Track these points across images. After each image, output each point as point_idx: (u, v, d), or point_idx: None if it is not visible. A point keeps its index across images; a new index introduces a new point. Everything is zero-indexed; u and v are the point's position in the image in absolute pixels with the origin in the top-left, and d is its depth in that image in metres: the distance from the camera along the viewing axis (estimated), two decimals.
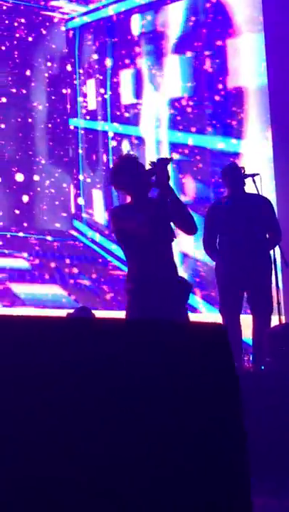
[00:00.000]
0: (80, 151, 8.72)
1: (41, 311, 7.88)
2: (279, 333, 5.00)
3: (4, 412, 1.29)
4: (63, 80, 8.81)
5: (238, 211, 5.68)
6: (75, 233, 8.55)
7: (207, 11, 8.74)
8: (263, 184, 5.84)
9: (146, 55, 8.85)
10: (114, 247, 8.20)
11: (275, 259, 5.62)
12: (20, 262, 8.15)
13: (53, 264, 8.29)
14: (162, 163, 4.21)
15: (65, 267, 8.34)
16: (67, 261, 8.38)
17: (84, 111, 8.84)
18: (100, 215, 8.64)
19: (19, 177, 8.32)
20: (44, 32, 8.75)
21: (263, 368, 5.28)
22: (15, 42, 8.54)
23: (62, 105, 8.78)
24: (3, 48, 8.46)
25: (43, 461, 1.29)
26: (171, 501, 1.36)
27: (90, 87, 8.87)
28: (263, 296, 5.58)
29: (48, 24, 8.80)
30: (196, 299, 8.12)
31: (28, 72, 8.61)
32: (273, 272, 5.64)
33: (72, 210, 8.61)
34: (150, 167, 4.23)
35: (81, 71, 8.86)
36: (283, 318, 5.94)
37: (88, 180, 8.67)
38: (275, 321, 5.61)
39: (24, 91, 8.57)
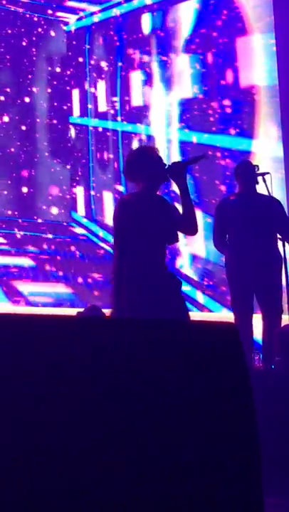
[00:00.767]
0: (91, 150, 8.72)
1: (48, 309, 7.89)
2: None
3: (5, 412, 1.29)
4: (73, 79, 8.82)
5: (247, 209, 5.66)
6: (81, 230, 8.56)
7: (218, 10, 8.73)
8: (273, 183, 5.82)
9: (156, 54, 8.84)
10: None
11: (285, 259, 5.60)
12: (25, 260, 8.15)
13: (58, 262, 8.29)
14: (178, 166, 4.11)
15: (71, 264, 8.34)
16: (78, 256, 8.38)
17: (93, 110, 8.84)
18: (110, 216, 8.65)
19: (23, 173, 8.34)
20: (52, 32, 8.75)
21: (273, 367, 5.27)
22: (23, 42, 8.54)
23: (70, 104, 8.78)
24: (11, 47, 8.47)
25: (44, 461, 1.29)
26: (182, 500, 1.35)
27: (100, 86, 8.88)
28: (273, 295, 5.56)
29: (56, 23, 8.81)
30: (204, 298, 8.11)
31: (42, 73, 8.61)
32: (283, 271, 5.62)
33: (83, 211, 8.61)
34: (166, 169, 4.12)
35: (91, 70, 8.86)
36: None
37: (100, 178, 8.67)
38: (285, 320, 5.60)
39: (34, 89, 8.57)
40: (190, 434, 1.39)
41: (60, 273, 8.25)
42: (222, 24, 8.66)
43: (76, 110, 8.81)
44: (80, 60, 8.86)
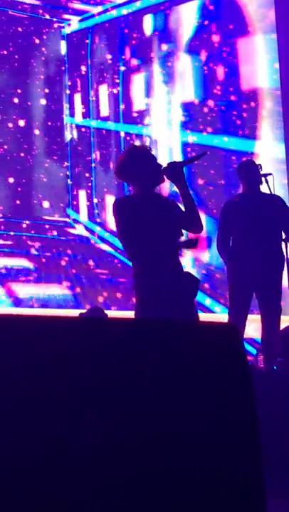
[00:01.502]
0: (93, 152, 8.73)
1: (47, 310, 7.89)
2: None
3: (5, 412, 1.29)
4: (74, 80, 8.82)
5: (251, 210, 5.67)
6: (83, 232, 8.56)
7: (219, 11, 8.73)
8: (276, 184, 5.83)
9: (158, 55, 8.85)
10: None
11: (288, 260, 5.60)
12: (23, 262, 8.15)
13: (60, 263, 8.29)
14: (174, 166, 4.05)
15: (71, 265, 8.35)
16: (78, 257, 8.39)
17: (94, 111, 8.85)
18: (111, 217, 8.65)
19: (20, 173, 8.36)
20: (53, 34, 8.76)
21: (275, 368, 5.27)
22: (23, 42, 8.56)
23: (71, 105, 8.79)
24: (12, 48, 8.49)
25: (44, 462, 1.29)
26: (182, 500, 1.35)
27: (102, 87, 8.88)
28: (272, 295, 5.57)
29: (57, 25, 8.82)
30: (208, 300, 8.11)
31: (42, 75, 8.62)
32: (285, 271, 5.63)
33: (85, 212, 8.62)
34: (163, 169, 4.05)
35: (92, 71, 8.87)
36: None
37: (100, 182, 8.68)
38: (285, 320, 5.60)
39: (30, 90, 8.59)
40: (191, 434, 1.39)
41: (60, 274, 8.25)
42: (224, 25, 8.66)
43: (78, 112, 8.81)
44: (81, 62, 8.87)
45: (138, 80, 8.85)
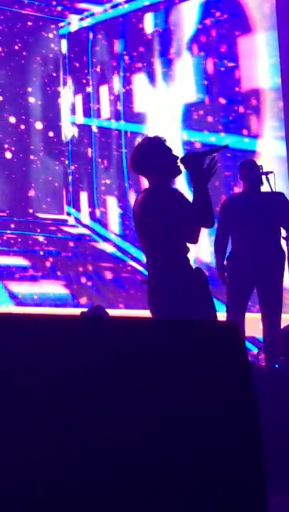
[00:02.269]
0: (93, 151, 8.73)
1: (45, 309, 7.88)
2: None
3: (5, 412, 1.29)
4: (74, 80, 8.82)
5: (251, 209, 5.66)
6: (83, 230, 8.56)
7: (221, 9, 8.72)
8: (277, 183, 5.81)
9: (159, 54, 8.84)
10: (132, 249, 8.21)
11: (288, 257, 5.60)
12: (21, 261, 8.14)
13: (57, 262, 8.29)
14: (193, 159, 3.86)
15: (70, 264, 8.34)
16: (78, 255, 8.38)
17: (95, 111, 8.85)
18: (114, 217, 8.65)
19: (19, 172, 8.36)
20: (53, 33, 8.76)
21: (277, 366, 5.27)
22: (25, 40, 8.55)
23: (73, 104, 8.79)
24: (16, 47, 8.48)
25: (45, 463, 1.29)
26: (185, 500, 1.35)
27: (103, 86, 8.88)
28: (273, 293, 5.57)
29: (56, 24, 8.82)
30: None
31: (42, 74, 8.62)
32: (286, 270, 5.62)
33: (86, 211, 8.62)
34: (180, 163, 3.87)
35: (93, 71, 8.86)
36: None
37: (103, 181, 8.68)
38: (285, 319, 5.60)
39: (29, 89, 8.58)
40: (192, 433, 1.39)
41: (59, 273, 8.24)
42: (225, 23, 8.65)
43: (78, 111, 8.81)
44: (82, 60, 8.86)
45: (139, 79, 8.84)
